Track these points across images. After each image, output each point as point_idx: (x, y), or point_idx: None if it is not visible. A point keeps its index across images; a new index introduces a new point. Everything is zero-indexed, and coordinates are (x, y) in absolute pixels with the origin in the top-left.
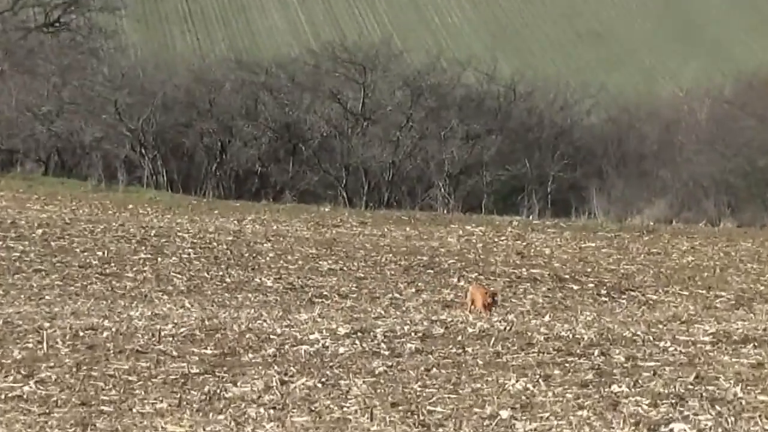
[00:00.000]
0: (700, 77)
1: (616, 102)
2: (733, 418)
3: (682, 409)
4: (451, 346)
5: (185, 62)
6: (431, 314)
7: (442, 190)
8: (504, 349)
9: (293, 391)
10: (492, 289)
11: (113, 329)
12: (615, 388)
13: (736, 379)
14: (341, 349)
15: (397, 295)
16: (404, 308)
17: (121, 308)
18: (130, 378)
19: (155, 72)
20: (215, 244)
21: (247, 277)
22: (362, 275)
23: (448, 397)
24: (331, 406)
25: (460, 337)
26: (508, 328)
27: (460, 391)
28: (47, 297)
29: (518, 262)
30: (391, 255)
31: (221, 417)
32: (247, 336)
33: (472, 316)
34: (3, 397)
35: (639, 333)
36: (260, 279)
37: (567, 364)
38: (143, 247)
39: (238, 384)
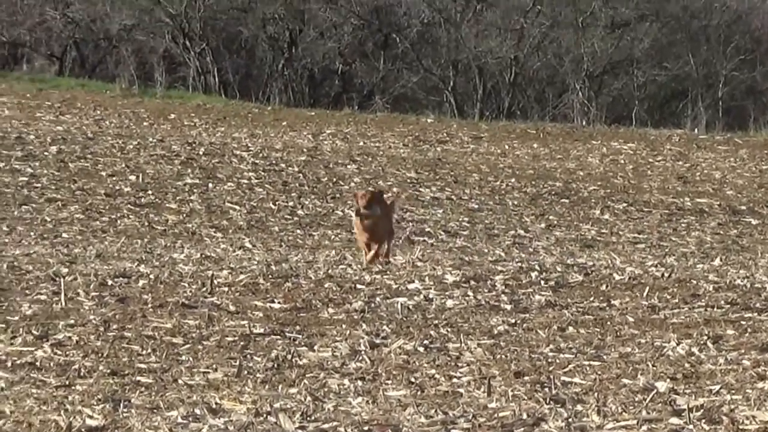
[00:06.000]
0: None
1: None
2: None
3: None
4: (592, 299)
5: None
6: (566, 257)
7: (581, 95)
8: (661, 302)
9: (387, 356)
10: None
11: (151, 277)
12: None
13: None
14: (449, 303)
15: (521, 232)
16: (531, 249)
17: (162, 249)
18: (174, 340)
19: None
20: (283, 165)
21: (326, 208)
22: (476, 206)
23: (589, 365)
24: (437, 376)
25: (604, 287)
26: (666, 275)
27: (605, 357)
28: (65, 235)
29: (680, 189)
30: (513, 180)
31: (293, 390)
32: (326, 285)
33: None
34: (10, 364)
35: None
36: (343, 211)
37: (743, 322)
38: (189, 170)
39: (316, 348)
